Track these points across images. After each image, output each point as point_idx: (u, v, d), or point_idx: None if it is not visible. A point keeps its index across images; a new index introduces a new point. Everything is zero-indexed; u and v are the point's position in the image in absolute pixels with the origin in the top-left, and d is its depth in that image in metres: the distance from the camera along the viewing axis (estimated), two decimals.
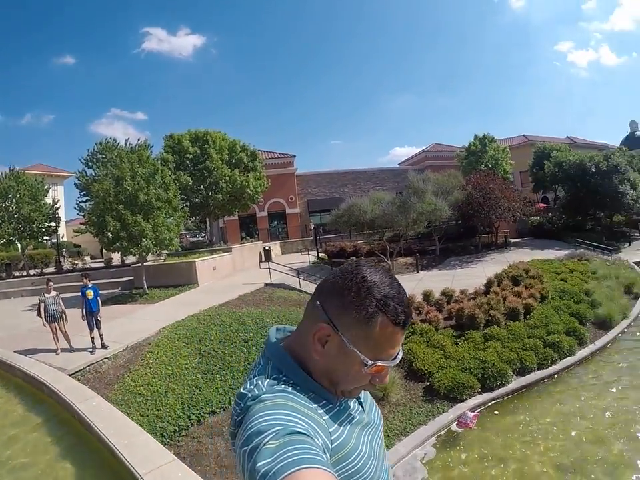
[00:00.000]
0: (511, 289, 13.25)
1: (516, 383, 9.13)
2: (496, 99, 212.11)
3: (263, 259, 22.22)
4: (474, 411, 8.08)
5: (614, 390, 8.85)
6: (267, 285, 15.59)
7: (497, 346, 9.92)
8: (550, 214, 30.50)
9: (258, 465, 0.68)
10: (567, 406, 8.36)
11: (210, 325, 11.07)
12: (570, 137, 44.37)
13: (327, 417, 0.89)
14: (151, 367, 8.95)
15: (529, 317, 11.64)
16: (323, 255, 22.47)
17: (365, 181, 35.73)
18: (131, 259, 21.13)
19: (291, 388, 0.87)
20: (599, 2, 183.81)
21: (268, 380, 0.89)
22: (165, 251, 18.78)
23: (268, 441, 0.71)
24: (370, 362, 0.87)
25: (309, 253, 22.30)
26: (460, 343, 10.23)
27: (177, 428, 7.19)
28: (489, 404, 8.54)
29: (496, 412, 8.32)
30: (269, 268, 16.51)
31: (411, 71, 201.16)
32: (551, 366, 9.80)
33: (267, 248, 24.09)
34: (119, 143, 22.90)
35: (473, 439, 7.41)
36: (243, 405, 0.86)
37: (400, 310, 0.88)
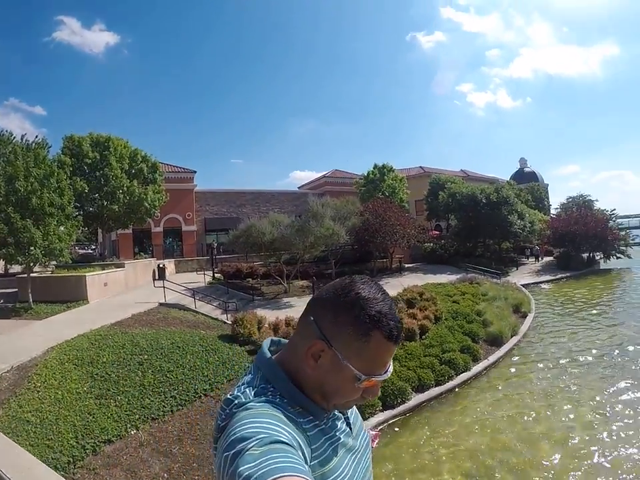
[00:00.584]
0: (406, 311, 14.71)
1: (415, 399, 10.26)
2: (398, 130, 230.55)
3: (157, 277, 22.47)
4: (375, 429, 9.45)
5: (508, 399, 10.42)
6: (161, 304, 15.91)
7: (395, 365, 10.77)
8: (442, 241, 34.80)
9: (240, 469, 0.72)
10: (467, 417, 9.63)
11: (102, 345, 11.12)
12: (464, 170, 50.73)
13: (312, 432, 0.93)
14: (39, 391, 8.77)
15: (424, 337, 13.10)
16: (219, 275, 23.23)
17: (264, 202, 37.30)
18: (15, 269, 20.37)
19: (278, 399, 0.92)
20: (502, 50, 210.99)
21: (255, 389, 0.94)
22: (54, 263, 18.43)
23: (251, 447, 0.75)
24: (363, 377, 0.92)
25: (205, 272, 22.89)
26: None
27: (71, 459, 7.06)
28: (391, 421, 9.48)
29: (397, 429, 9.21)
30: (164, 287, 16.97)
31: (317, 97, 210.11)
32: (448, 382, 11.13)
33: (161, 265, 24.27)
34: (14, 138, 21.49)
35: (378, 456, 7.85)
36: (228, 411, 0.91)
37: (393, 325, 0.93)
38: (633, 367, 11.68)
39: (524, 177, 58.18)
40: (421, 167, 46.88)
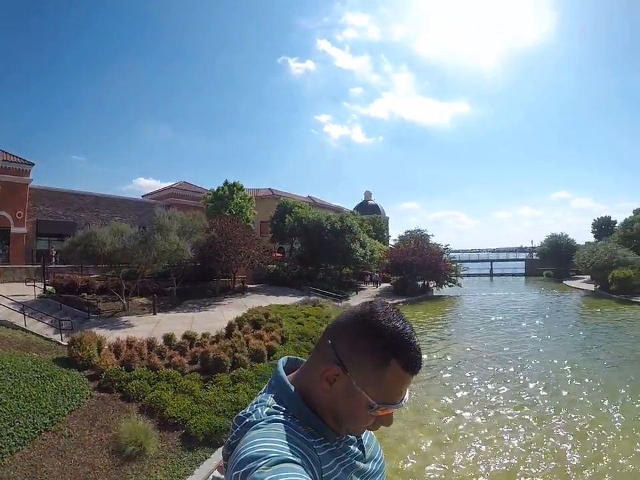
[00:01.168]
0: (253, 332, 15.51)
1: None
2: (253, 150, 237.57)
3: None
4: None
5: None
6: None
7: (246, 387, 11.42)
8: (286, 263, 37.91)
9: None
10: None
11: None
12: (311, 196, 56.07)
13: (322, 453, 0.97)
14: None
15: (272, 357, 13.75)
16: (51, 287, 21.98)
17: (104, 208, 36.27)
18: None
19: (290, 419, 0.97)
20: (365, 90, 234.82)
21: (268, 408, 0.99)
22: None
23: (260, 466, 0.78)
24: (376, 405, 0.97)
25: (35, 284, 21.23)
26: (209, 387, 11.35)
27: None
28: None
29: None
30: None
31: (176, 103, 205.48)
32: None
33: None
34: None
35: None
36: (239, 429, 0.96)
37: (413, 356, 0.97)
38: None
39: (367, 208, 66.32)
40: (270, 189, 50.31)
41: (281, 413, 0.98)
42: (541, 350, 18.17)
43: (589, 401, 11.90)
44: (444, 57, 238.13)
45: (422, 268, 38.25)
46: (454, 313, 30.55)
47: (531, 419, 10.89)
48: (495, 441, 9.76)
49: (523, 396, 12.63)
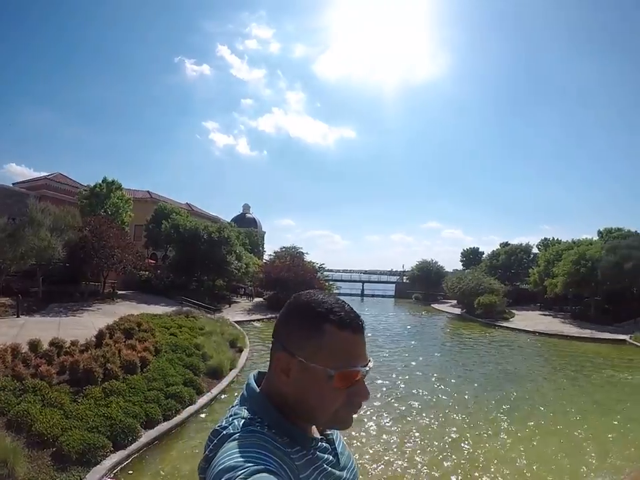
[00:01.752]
0: (124, 341, 15.17)
1: (146, 436, 10.50)
2: (136, 149, 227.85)
3: None
4: (111, 474, 8.82)
5: None
6: None
7: (120, 401, 11.16)
8: (159, 271, 38.59)
9: None
10: (201, 450, 12.06)
11: None
12: (189, 204, 56.75)
13: (300, 462, 1.03)
14: None
15: (146, 369, 13.58)
16: None
17: None
18: None
19: (266, 430, 1.02)
20: (257, 103, 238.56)
21: (243, 420, 1.04)
22: None
23: (238, 476, 0.84)
24: (333, 371, 1.02)
25: None
26: (80, 400, 10.89)
27: None
28: (126, 462, 9.56)
29: (130, 472, 9.38)
30: None
31: (61, 90, 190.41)
32: (175, 416, 11.80)
33: None
34: None
35: None
36: (216, 442, 1.01)
37: (343, 315, 1.06)
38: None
39: (245, 221, 69.00)
40: (148, 191, 50.14)
41: (257, 423, 1.04)
42: (412, 365, 20.46)
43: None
44: (339, 82, 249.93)
45: (296, 284, 38.71)
46: None
47: (414, 429, 12.50)
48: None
49: (401, 408, 14.22)
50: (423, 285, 64.54)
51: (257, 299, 44.06)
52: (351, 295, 70.64)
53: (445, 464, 10.25)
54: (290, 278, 39.62)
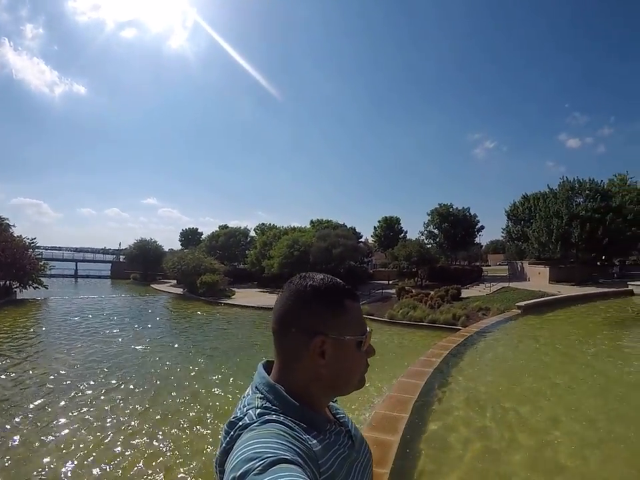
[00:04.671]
0: None
1: None
2: None
3: None
4: None
5: None
6: None
7: None
8: None
9: None
10: None
11: None
12: None
13: (317, 448, 1.02)
14: None
15: None
16: None
17: None
18: None
19: (282, 417, 1.02)
20: None
21: (259, 410, 1.04)
22: None
23: (257, 467, 0.82)
24: (362, 337, 1.15)
25: None
26: None
27: None
28: None
29: None
30: None
31: None
32: None
33: None
34: None
35: None
36: (232, 434, 1.01)
37: (348, 289, 1.19)
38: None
39: None
40: None
41: (272, 412, 1.04)
42: (139, 349, 19.32)
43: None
44: (88, 29, 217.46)
45: (3, 265, 34.02)
46: (47, 321, 28.38)
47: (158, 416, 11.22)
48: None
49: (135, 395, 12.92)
50: (141, 264, 62.92)
51: None
52: (63, 275, 64.99)
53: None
54: None
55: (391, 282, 44.49)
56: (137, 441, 9.58)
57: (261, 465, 0.82)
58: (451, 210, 54.30)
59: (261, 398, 1.09)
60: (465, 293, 31.65)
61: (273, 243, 46.33)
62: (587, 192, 40.42)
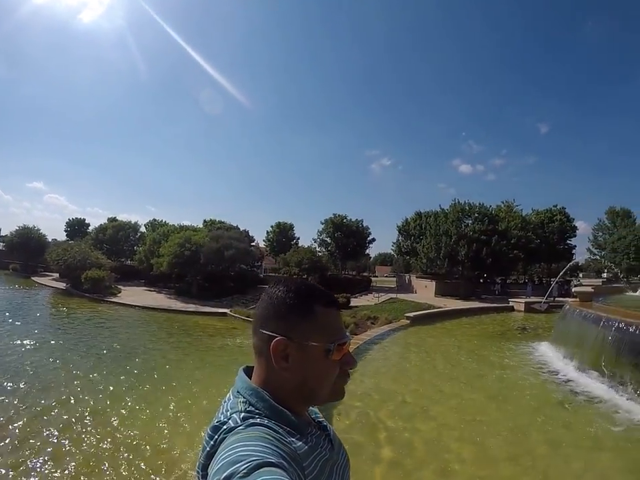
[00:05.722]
0: None
1: None
2: None
3: None
4: None
5: None
6: None
7: None
8: None
9: None
10: None
11: None
12: None
13: (301, 451, 1.04)
14: None
15: None
16: None
17: None
18: None
19: (266, 421, 1.04)
20: None
21: (242, 414, 1.05)
22: None
23: (242, 470, 0.83)
24: (331, 345, 1.12)
25: None
26: None
27: None
28: None
29: None
30: None
31: None
32: None
33: None
34: None
35: None
36: (217, 437, 1.02)
37: (325, 294, 1.19)
38: None
39: None
40: None
41: (257, 416, 1.05)
42: (16, 346, 18.51)
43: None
44: None
45: None
46: None
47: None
48: None
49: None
50: (22, 254, 58.90)
51: None
52: None
53: None
54: None
55: None
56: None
57: (246, 467, 0.84)
58: (345, 220, 56.25)
59: (243, 402, 1.10)
60: (354, 301, 32.83)
61: (163, 241, 45.32)
62: (476, 215, 43.50)
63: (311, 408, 1.31)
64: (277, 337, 1.11)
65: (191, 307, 33.99)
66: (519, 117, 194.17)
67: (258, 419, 1.05)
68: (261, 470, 0.84)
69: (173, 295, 40.90)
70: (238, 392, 1.15)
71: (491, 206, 46.86)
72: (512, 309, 29.63)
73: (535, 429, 8.53)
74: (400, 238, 59.15)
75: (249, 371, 1.23)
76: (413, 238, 54.55)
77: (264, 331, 1.15)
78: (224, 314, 31.45)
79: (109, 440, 9.23)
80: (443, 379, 12.21)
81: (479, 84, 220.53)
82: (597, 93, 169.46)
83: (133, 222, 63.13)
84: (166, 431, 9.51)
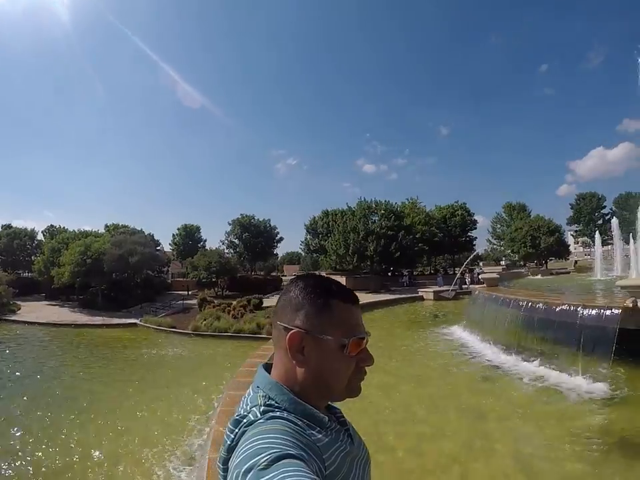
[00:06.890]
0: None
1: None
2: None
3: None
4: None
5: None
6: None
7: None
8: None
9: None
10: None
11: None
12: None
13: (321, 444, 1.04)
14: None
15: None
16: None
17: None
18: None
19: (285, 414, 1.04)
20: None
21: (262, 407, 1.06)
22: None
23: (262, 463, 0.84)
24: (347, 340, 1.11)
25: None
26: None
27: None
28: None
29: None
30: None
31: None
32: None
33: None
34: None
35: None
36: (237, 431, 1.03)
37: (343, 289, 1.20)
38: None
39: None
40: None
41: (276, 409, 1.05)
42: None
43: None
44: None
45: None
46: None
47: None
48: None
49: None
50: None
51: None
52: None
53: None
54: None
55: (190, 292, 44.14)
56: None
57: (266, 460, 0.84)
58: (252, 221, 56.08)
59: (263, 396, 1.10)
60: (266, 302, 32.57)
61: (64, 249, 42.40)
62: (383, 212, 44.76)
63: (329, 404, 1.28)
64: (292, 329, 1.11)
65: (98, 320, 32.45)
66: (422, 119, 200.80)
67: (277, 412, 1.04)
68: (281, 462, 0.84)
69: (77, 308, 38.78)
70: (257, 386, 1.15)
71: (396, 203, 48.69)
72: (422, 298, 30.75)
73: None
74: (308, 236, 59.53)
75: (268, 368, 1.23)
76: (320, 236, 55.12)
77: (281, 323, 1.15)
78: (134, 324, 30.49)
79: None
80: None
81: (387, 86, 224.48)
82: (495, 98, 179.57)
83: (30, 229, 59.07)
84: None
